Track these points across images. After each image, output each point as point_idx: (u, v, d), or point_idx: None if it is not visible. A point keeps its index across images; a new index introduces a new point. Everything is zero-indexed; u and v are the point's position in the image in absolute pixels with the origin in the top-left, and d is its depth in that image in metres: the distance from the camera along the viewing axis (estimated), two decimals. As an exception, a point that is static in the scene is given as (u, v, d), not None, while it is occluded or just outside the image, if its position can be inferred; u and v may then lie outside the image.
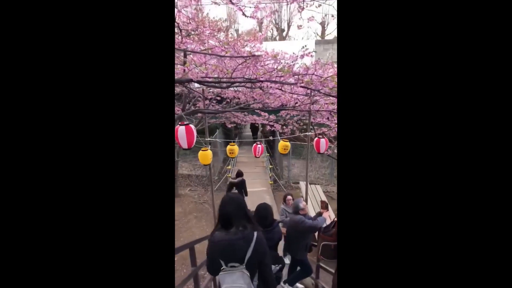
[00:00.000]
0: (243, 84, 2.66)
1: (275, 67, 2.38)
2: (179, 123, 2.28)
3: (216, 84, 2.49)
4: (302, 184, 7.25)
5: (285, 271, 3.15)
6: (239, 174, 4.79)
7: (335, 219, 1.97)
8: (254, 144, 3.63)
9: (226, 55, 2.26)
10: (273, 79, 2.25)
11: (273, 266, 2.11)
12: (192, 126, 2.33)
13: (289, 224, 2.93)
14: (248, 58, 2.22)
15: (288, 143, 3.45)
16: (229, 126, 8.13)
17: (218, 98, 7.37)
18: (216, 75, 2.29)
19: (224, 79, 2.24)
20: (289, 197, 3.56)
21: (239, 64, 2.25)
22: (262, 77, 2.22)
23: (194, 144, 2.31)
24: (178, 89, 4.82)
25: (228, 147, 3.55)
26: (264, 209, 2.06)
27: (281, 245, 2.47)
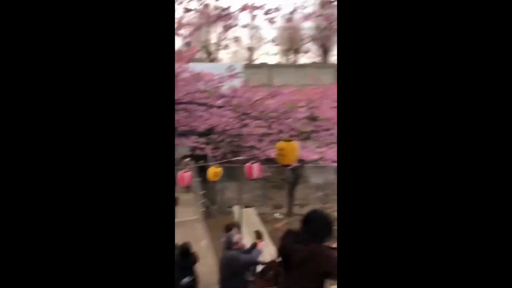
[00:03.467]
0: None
1: (201, 88, 2.15)
2: None
3: None
4: (236, 209, 7.00)
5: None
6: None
7: (276, 260, 1.77)
8: (179, 173, 3.22)
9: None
10: (198, 101, 2.00)
11: None
12: None
13: (222, 261, 2.63)
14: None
15: (219, 169, 3.19)
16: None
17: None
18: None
19: None
20: (232, 231, 3.11)
21: None
22: (183, 99, 1.95)
23: None
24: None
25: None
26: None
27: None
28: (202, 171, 9.42)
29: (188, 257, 3.25)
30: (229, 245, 2.56)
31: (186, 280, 3.11)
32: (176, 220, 4.76)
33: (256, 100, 2.04)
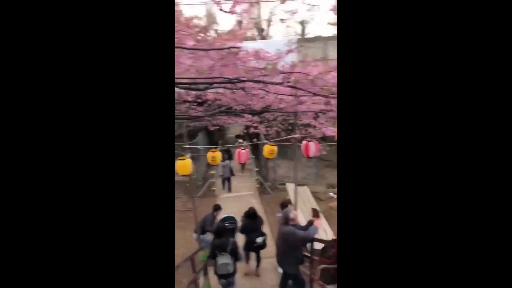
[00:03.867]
0: (223, 85, 2.40)
1: (258, 66, 2.14)
2: None
3: (192, 86, 2.21)
4: (289, 186, 7.08)
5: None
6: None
7: (334, 238, 1.82)
8: (237, 149, 3.37)
9: (202, 48, 1.99)
10: (256, 79, 2.01)
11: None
12: None
13: (279, 236, 2.72)
14: (229, 49, 1.95)
15: (274, 147, 3.22)
16: (212, 129, 7.82)
17: (199, 100, 7.05)
18: (192, 76, 2.01)
19: (201, 79, 1.96)
20: (288, 207, 3.24)
21: (219, 59, 1.96)
22: (244, 77, 1.97)
23: None
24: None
25: (209, 153, 3.27)
26: None
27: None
28: (256, 149, 9.69)
29: (256, 219, 3.74)
30: (286, 220, 2.61)
31: (259, 240, 3.63)
32: (233, 194, 5.04)
33: (317, 75, 1.94)
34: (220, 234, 3.07)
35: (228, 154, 8.08)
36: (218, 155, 3.25)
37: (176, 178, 7.35)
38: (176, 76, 2.01)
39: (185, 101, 6.86)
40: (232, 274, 2.99)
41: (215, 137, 10.74)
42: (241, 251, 3.33)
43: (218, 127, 8.13)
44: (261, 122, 5.59)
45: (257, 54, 2.15)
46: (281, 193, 7.08)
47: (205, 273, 3.56)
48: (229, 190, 7.45)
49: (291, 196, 5.24)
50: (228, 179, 7.47)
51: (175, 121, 6.57)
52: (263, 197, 6.94)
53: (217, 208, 4.05)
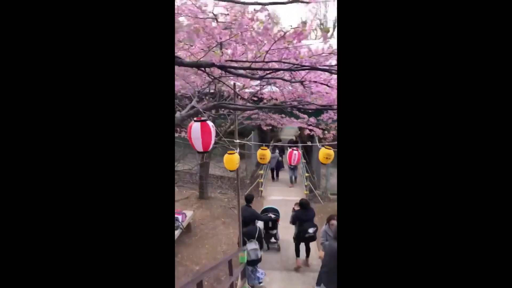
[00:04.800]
0: (280, 75, 2.16)
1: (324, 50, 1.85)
2: (194, 119, 1.83)
3: (246, 72, 2.03)
4: (342, 197, 6.48)
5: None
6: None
7: None
8: (290, 150, 3.10)
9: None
10: (321, 66, 1.73)
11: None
12: (210, 123, 1.81)
13: (328, 251, 2.38)
14: (289, 46, 1.73)
15: (331, 152, 2.87)
16: (265, 128, 7.72)
17: (255, 98, 7.00)
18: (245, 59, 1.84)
19: (257, 62, 1.76)
20: (333, 221, 3.17)
21: (277, 40, 1.73)
22: (305, 62, 1.71)
23: (211, 145, 1.85)
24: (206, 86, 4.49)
25: (259, 151, 3.08)
26: None
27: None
28: (308, 154, 9.27)
29: (308, 209, 3.95)
30: (327, 236, 2.31)
31: (311, 230, 3.80)
32: (280, 197, 4.96)
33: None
34: (248, 223, 3.37)
35: (279, 149, 8.67)
36: (267, 153, 3.04)
37: (227, 174, 7.47)
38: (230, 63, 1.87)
39: (241, 98, 6.89)
40: (259, 260, 3.32)
41: (267, 138, 10.63)
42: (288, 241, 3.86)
43: (271, 127, 7.99)
44: (317, 125, 5.20)
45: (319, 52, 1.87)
46: (332, 204, 6.53)
47: (243, 276, 3.39)
48: (277, 176, 8.24)
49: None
50: (277, 170, 8.24)
51: (228, 117, 6.67)
52: (312, 206, 6.49)
53: (249, 199, 4.16)
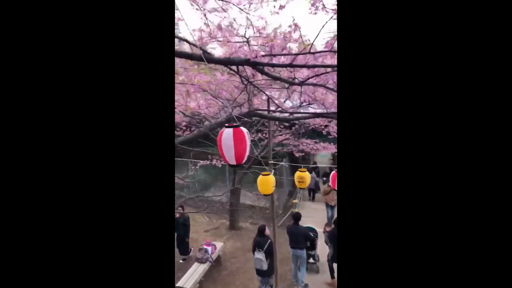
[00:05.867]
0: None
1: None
2: (226, 125, 1.53)
3: (285, 73, 1.79)
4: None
5: None
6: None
7: None
8: (334, 171, 2.72)
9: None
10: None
11: None
12: (244, 129, 1.52)
13: None
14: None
15: (305, 174, 2.52)
16: (297, 155, 7.40)
17: (286, 124, 6.80)
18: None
19: (302, 54, 1.51)
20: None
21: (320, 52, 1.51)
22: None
23: (245, 158, 1.54)
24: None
25: (297, 173, 2.75)
26: None
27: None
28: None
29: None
30: None
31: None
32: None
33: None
34: (262, 233, 3.61)
35: (316, 171, 8.94)
36: (307, 175, 2.70)
37: (257, 204, 7.12)
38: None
39: (274, 124, 6.72)
40: (267, 273, 3.49)
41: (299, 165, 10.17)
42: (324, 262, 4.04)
43: (303, 154, 7.63)
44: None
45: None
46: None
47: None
48: (313, 199, 8.50)
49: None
50: (314, 190, 8.50)
51: (259, 143, 6.48)
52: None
53: (297, 217, 4.16)
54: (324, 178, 8.36)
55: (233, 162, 1.50)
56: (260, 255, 3.53)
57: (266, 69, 1.81)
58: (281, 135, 6.87)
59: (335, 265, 4.05)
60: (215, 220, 7.00)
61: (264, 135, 6.18)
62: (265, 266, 3.48)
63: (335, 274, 4.03)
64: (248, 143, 1.50)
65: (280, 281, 3.93)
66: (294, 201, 7.39)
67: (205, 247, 4.50)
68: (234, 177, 6.47)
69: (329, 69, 1.70)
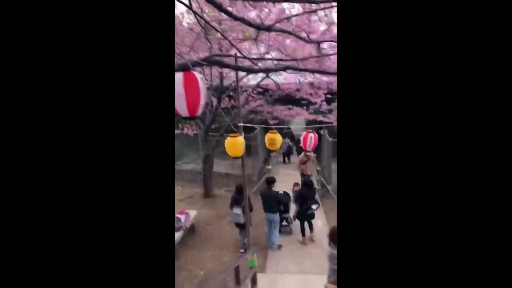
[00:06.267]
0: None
1: None
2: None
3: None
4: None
5: None
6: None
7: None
8: (305, 133, 2.62)
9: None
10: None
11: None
12: (197, 74, 1.28)
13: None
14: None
15: (276, 136, 2.49)
16: (271, 122, 7.31)
17: (260, 89, 6.57)
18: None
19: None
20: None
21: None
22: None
23: (200, 107, 1.31)
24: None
25: (268, 135, 2.64)
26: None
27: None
28: (318, 147, 8.76)
29: (311, 189, 4.29)
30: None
31: (314, 207, 4.09)
32: (289, 190, 4.71)
33: None
34: (240, 190, 3.75)
35: (289, 136, 9.08)
36: (277, 137, 2.59)
37: (233, 172, 7.08)
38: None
39: (244, 91, 6.45)
40: (244, 225, 3.59)
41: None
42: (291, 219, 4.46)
43: (277, 121, 7.54)
44: (330, 111, 4.73)
45: None
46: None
47: (254, 283, 2.94)
48: (288, 161, 9.05)
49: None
50: (288, 155, 8.96)
51: (232, 110, 6.24)
52: (324, 201, 6.01)
53: (271, 181, 4.30)
54: (299, 145, 8.48)
55: (186, 114, 1.29)
56: (237, 210, 3.81)
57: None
58: (254, 101, 6.66)
59: (306, 225, 4.30)
60: (189, 189, 6.90)
61: (237, 102, 5.95)
62: (242, 220, 3.72)
63: (306, 232, 4.35)
64: (204, 91, 1.29)
65: (254, 244, 4.03)
66: (268, 167, 7.44)
67: (177, 215, 4.42)
68: (207, 146, 6.28)
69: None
